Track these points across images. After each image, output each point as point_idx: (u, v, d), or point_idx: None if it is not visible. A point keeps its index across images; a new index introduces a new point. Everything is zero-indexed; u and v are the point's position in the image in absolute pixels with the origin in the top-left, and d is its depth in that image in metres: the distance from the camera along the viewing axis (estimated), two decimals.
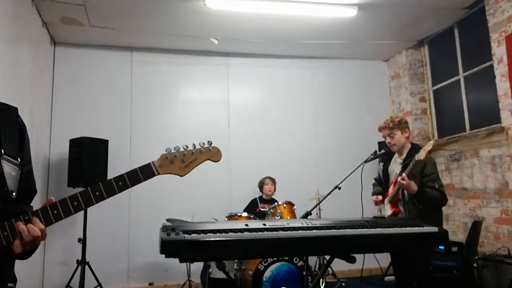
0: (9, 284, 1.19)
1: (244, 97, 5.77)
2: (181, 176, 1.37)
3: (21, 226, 1.14)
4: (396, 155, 3.18)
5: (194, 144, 1.41)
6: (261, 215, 4.54)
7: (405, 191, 2.95)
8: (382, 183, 3.27)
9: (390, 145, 3.11)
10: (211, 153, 1.43)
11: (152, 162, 1.34)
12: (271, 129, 5.71)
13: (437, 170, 3.01)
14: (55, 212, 1.20)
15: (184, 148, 1.39)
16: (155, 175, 1.33)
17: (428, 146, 2.80)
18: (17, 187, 1.21)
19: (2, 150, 1.19)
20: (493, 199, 4.37)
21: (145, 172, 1.31)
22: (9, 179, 1.18)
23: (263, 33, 5.14)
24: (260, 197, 4.96)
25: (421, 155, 2.77)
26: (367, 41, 5.50)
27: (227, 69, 5.76)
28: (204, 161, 1.42)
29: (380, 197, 3.16)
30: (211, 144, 1.44)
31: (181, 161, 1.37)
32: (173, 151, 1.37)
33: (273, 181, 5.01)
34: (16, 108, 1.31)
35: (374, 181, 3.43)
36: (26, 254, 1.22)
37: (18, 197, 1.23)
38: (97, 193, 1.25)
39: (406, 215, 2.95)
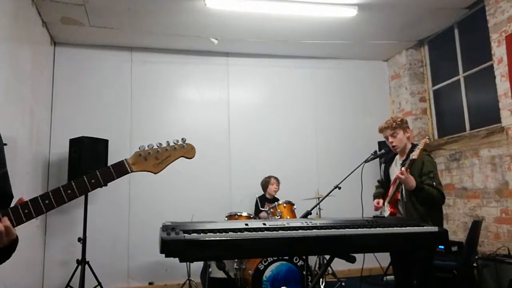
0: None
1: (244, 97, 5.77)
2: (155, 173, 1.39)
3: None
4: (397, 156, 3.17)
5: (168, 141, 1.43)
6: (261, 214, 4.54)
7: (403, 192, 2.95)
8: (384, 184, 3.26)
9: (392, 145, 3.09)
10: (185, 150, 1.44)
11: (125, 159, 1.35)
12: (271, 129, 5.71)
13: (436, 169, 2.99)
14: (26, 211, 1.19)
15: (157, 145, 1.41)
16: (128, 172, 1.34)
17: (421, 144, 2.79)
18: None
19: None
20: (493, 199, 4.37)
21: (118, 169, 1.32)
22: None
23: (263, 33, 5.15)
24: (263, 196, 4.95)
25: (415, 154, 2.76)
26: (367, 41, 5.50)
27: (227, 69, 5.76)
28: (178, 158, 1.43)
29: (381, 202, 3.14)
30: (185, 141, 1.45)
31: (155, 158, 1.39)
32: (146, 148, 1.39)
33: (277, 180, 5.00)
34: None
35: (377, 183, 3.43)
36: None
37: None
38: (69, 191, 1.24)
39: (404, 216, 2.94)
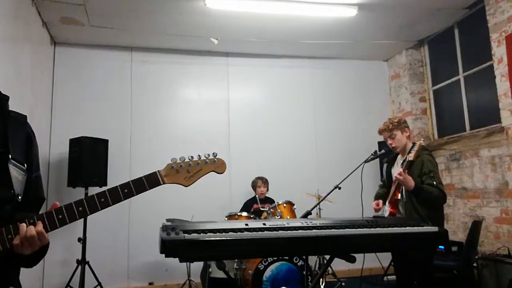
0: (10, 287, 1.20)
1: (244, 97, 5.77)
2: (186, 186, 1.40)
3: (24, 228, 1.16)
4: (399, 156, 3.17)
5: (199, 155, 1.44)
6: (257, 214, 4.54)
7: (403, 192, 2.95)
8: (386, 185, 3.26)
9: (392, 147, 3.10)
10: (216, 165, 1.45)
11: (158, 171, 1.37)
12: (271, 129, 5.71)
13: (437, 168, 3.00)
14: (60, 216, 1.22)
15: (189, 159, 1.42)
16: (160, 184, 1.36)
17: (416, 146, 2.85)
18: (23, 191, 1.24)
19: (10, 155, 1.22)
20: (493, 199, 4.37)
21: (150, 181, 1.34)
22: (16, 183, 1.21)
23: (263, 33, 5.15)
24: (253, 198, 4.98)
25: (411, 156, 2.79)
26: (367, 41, 5.50)
27: (227, 69, 5.76)
28: (208, 172, 1.44)
29: (380, 203, 3.14)
30: (216, 155, 1.46)
31: (187, 172, 1.40)
32: (178, 161, 1.40)
33: (264, 182, 4.98)
34: (25, 116, 1.37)
35: (381, 183, 3.43)
36: (29, 260, 1.23)
37: (26, 203, 1.26)
38: (102, 199, 1.27)
39: (404, 216, 2.94)
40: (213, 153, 1.46)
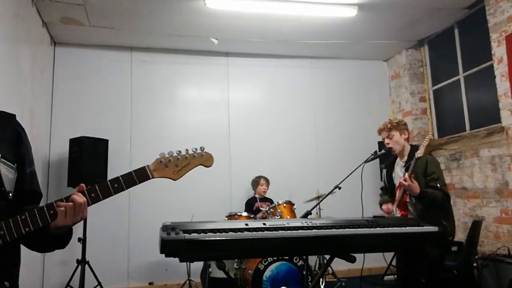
0: (5, 282, 1.21)
1: (244, 97, 5.77)
2: (175, 180, 1.42)
3: (63, 203, 1.23)
4: (398, 159, 3.16)
5: (187, 149, 1.46)
6: (258, 213, 4.55)
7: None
8: (388, 190, 3.23)
9: (389, 147, 3.09)
10: (204, 159, 1.47)
11: (147, 165, 1.38)
12: (271, 129, 5.70)
13: (440, 169, 2.98)
14: (52, 212, 1.24)
15: (177, 153, 1.43)
16: (149, 179, 1.37)
17: (425, 141, 2.74)
18: (13, 189, 1.26)
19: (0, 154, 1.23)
20: (493, 199, 4.37)
21: (140, 175, 1.36)
22: (6, 180, 1.23)
23: (263, 33, 5.14)
24: (253, 198, 5.00)
25: (420, 152, 2.71)
26: (367, 41, 5.50)
27: (227, 69, 5.76)
28: (196, 166, 1.46)
29: (390, 205, 3.10)
30: (204, 149, 1.48)
31: (175, 166, 1.42)
32: (167, 155, 1.41)
33: (267, 181, 5.03)
34: (14, 115, 1.37)
35: (380, 191, 3.39)
36: (64, 238, 1.31)
37: (23, 198, 1.29)
38: (93, 195, 1.29)
39: (416, 216, 2.91)
40: (200, 147, 1.48)
